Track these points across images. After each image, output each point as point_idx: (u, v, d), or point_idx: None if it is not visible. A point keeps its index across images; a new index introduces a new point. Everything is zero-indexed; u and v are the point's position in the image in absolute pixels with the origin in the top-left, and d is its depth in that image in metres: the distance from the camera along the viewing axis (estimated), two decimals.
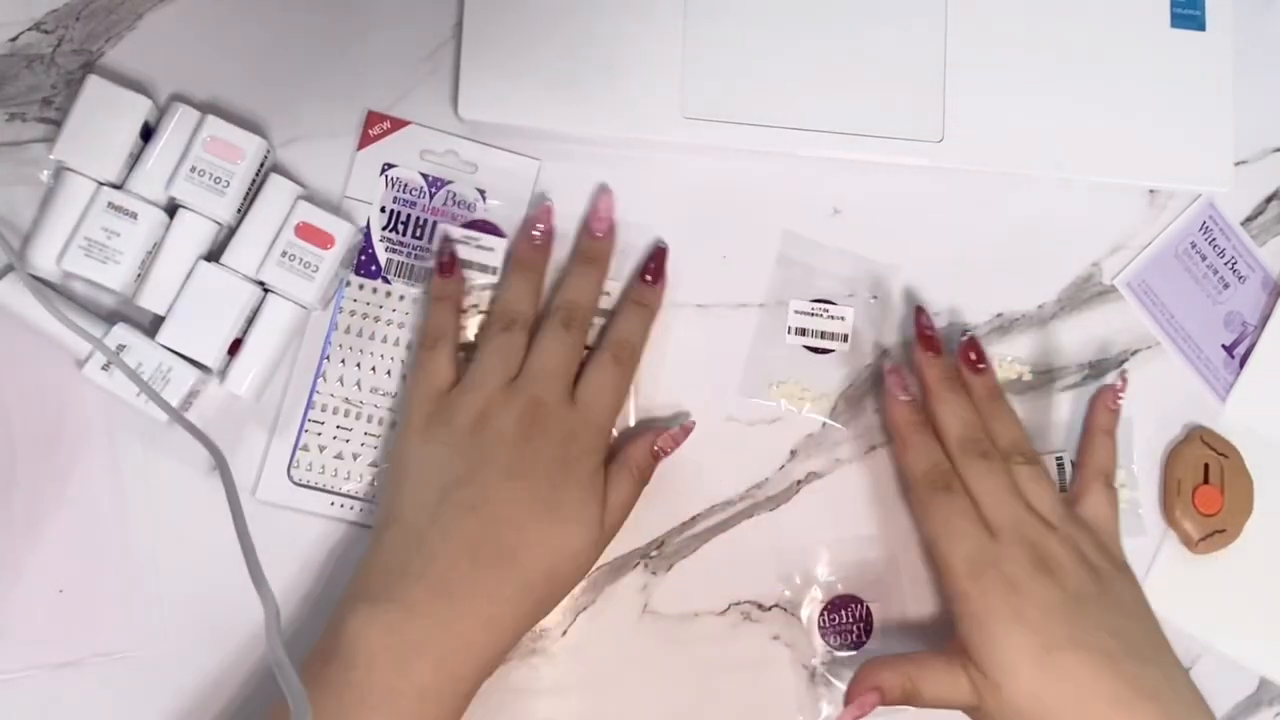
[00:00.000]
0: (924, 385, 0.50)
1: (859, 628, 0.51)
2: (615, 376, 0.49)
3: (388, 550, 0.44)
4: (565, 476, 0.46)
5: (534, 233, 0.50)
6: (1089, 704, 0.43)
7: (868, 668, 0.46)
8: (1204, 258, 0.55)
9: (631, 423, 0.51)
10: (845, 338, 0.52)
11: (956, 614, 0.46)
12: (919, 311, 0.51)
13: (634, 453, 0.48)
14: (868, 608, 0.51)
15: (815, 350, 0.52)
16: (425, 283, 0.50)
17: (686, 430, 0.50)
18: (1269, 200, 0.56)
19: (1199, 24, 0.54)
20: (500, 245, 0.50)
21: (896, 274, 0.53)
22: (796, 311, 0.52)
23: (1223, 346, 0.55)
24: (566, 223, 0.51)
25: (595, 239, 0.50)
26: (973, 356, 0.50)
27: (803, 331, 0.52)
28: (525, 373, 0.47)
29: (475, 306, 0.50)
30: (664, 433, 0.49)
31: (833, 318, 0.52)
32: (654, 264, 0.51)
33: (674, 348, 0.51)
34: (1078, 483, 0.50)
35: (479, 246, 0.49)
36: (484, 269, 0.50)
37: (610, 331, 0.50)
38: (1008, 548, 0.45)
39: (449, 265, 0.49)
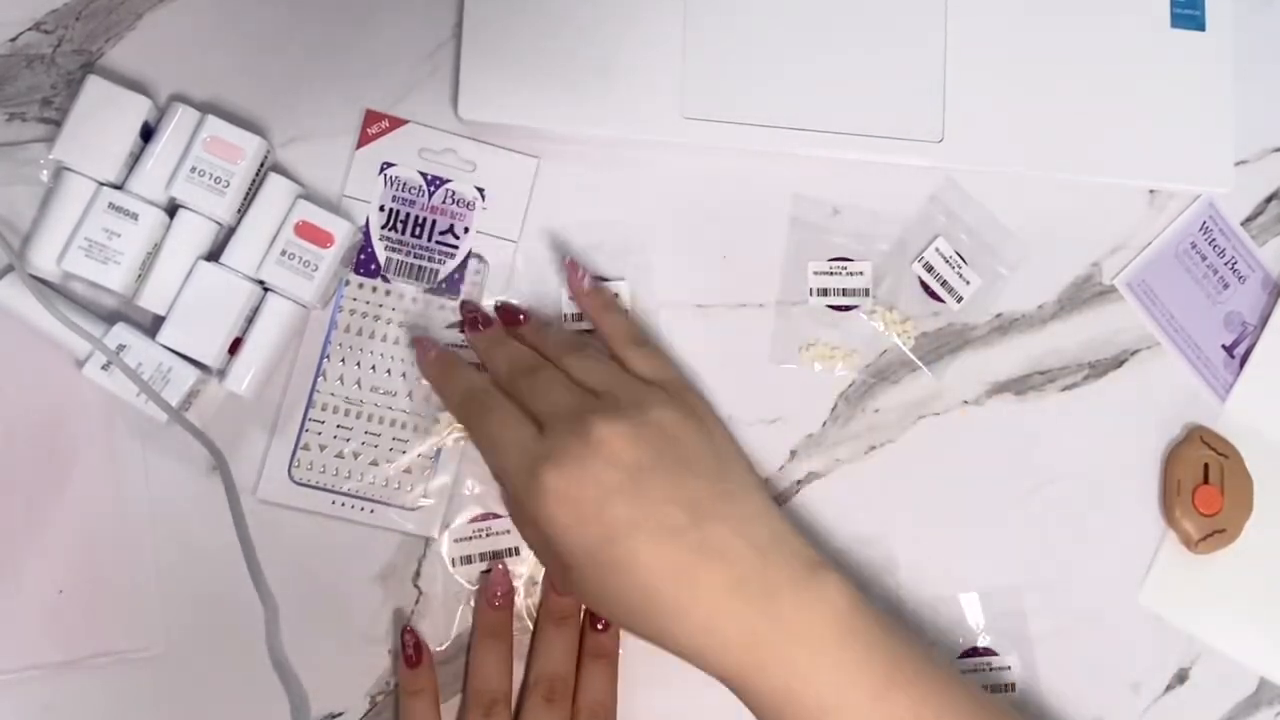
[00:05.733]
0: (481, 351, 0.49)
1: None
2: None
3: None
4: None
5: (495, 597, 0.48)
6: (652, 584, 0.41)
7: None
8: (1204, 258, 0.55)
9: None
10: (867, 292, 0.52)
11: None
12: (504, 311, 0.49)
13: None
14: None
15: (838, 309, 0.52)
16: (422, 282, 0.50)
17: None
18: (1269, 200, 0.56)
19: (1199, 24, 0.54)
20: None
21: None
22: (816, 272, 0.52)
23: (1223, 346, 0.55)
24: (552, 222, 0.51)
25: (539, 607, 0.49)
26: (520, 319, 0.49)
27: (824, 291, 0.52)
28: None
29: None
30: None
31: (851, 274, 0.52)
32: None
33: (674, 349, 0.51)
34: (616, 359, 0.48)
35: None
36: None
37: (580, 695, 0.48)
38: (555, 440, 0.43)
39: (415, 656, 0.47)
